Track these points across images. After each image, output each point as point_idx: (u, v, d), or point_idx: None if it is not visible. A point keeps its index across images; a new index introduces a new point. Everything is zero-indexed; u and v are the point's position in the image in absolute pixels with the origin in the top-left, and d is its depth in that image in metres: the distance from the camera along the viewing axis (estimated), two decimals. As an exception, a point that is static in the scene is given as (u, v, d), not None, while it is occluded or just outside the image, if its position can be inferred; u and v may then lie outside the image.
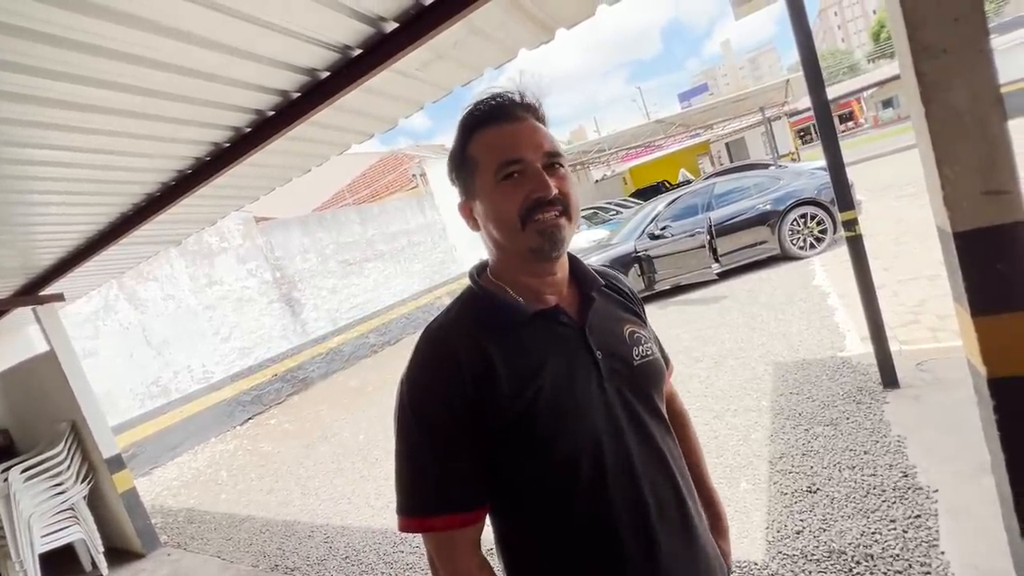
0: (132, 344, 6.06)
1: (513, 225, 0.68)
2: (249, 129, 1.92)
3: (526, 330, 0.69)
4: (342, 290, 8.77)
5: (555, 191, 0.68)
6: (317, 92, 1.70)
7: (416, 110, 2.32)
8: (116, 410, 5.65)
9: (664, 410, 0.77)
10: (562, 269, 0.76)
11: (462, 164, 0.74)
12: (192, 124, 1.76)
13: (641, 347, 0.76)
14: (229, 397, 6.79)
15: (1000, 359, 0.94)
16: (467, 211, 0.76)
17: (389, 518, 3.13)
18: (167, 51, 1.33)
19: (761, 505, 2.19)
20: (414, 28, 1.47)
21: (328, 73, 1.67)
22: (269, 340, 7.47)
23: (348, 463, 4.28)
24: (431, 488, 0.67)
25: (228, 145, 2.01)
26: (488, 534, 0.71)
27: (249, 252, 7.58)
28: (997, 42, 15.47)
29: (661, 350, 0.90)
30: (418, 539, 2.74)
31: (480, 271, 0.79)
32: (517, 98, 0.72)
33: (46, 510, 3.30)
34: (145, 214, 2.42)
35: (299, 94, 1.76)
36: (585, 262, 0.83)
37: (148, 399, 6.03)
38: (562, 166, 0.72)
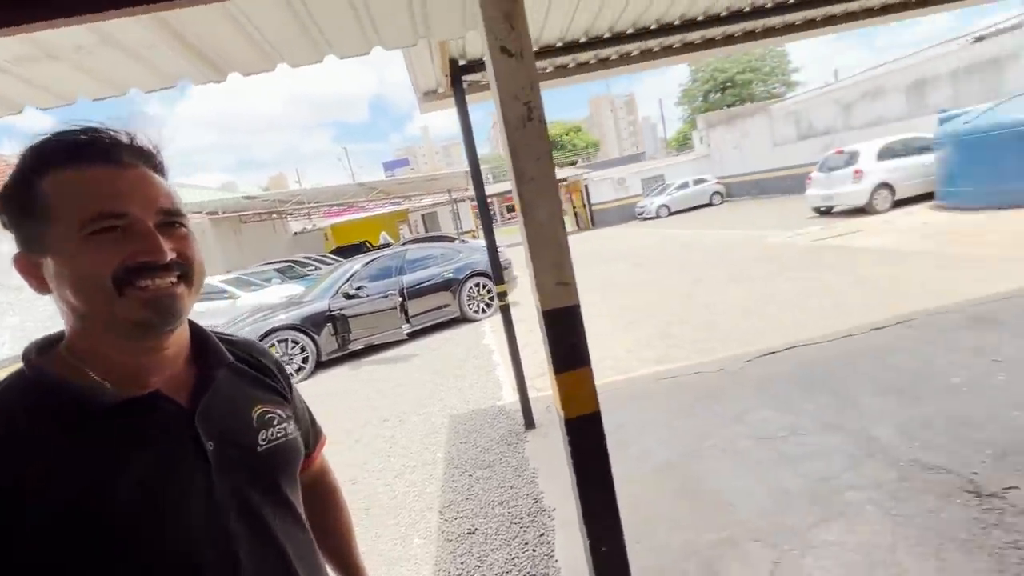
0: None
1: (104, 291, 0.55)
2: None
3: (98, 426, 0.55)
4: None
5: (171, 255, 0.59)
6: None
7: (11, 112, 1.72)
8: None
9: (295, 494, 0.72)
10: (177, 344, 0.65)
11: (27, 205, 0.56)
12: None
13: (271, 430, 0.70)
14: None
15: (570, 405, 1.29)
16: (29, 267, 0.58)
17: None
18: None
19: (430, 557, 2.31)
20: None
21: None
22: None
23: None
24: None
25: None
26: None
27: None
28: (591, 176, 22.68)
29: (312, 423, 0.86)
30: None
31: (44, 348, 0.60)
32: (125, 139, 0.61)
33: None
34: None
35: None
36: (216, 332, 0.74)
37: None
38: (184, 226, 0.63)
